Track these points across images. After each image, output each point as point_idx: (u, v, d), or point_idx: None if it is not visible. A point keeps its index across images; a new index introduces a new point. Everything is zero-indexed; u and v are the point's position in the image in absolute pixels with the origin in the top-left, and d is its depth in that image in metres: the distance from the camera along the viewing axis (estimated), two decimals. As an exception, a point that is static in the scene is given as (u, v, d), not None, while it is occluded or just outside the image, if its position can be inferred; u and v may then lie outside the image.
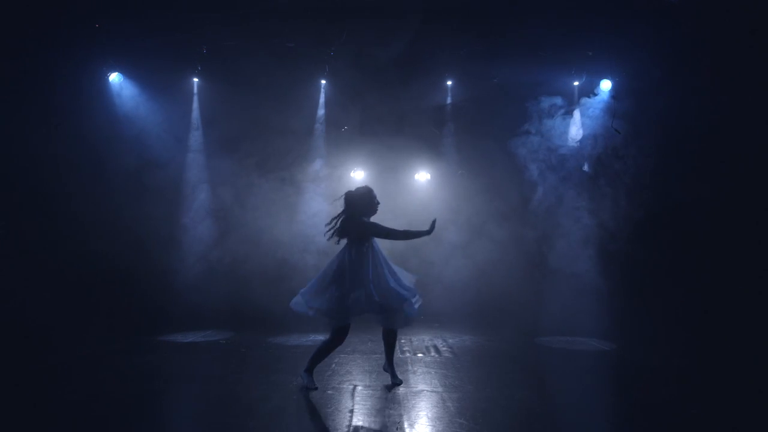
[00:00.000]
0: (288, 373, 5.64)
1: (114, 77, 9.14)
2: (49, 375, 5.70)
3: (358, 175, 9.86)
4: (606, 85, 9.13)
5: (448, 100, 9.88)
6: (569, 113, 9.27)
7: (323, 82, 9.71)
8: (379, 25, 8.22)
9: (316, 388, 5.07)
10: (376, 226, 5.22)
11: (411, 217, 9.65)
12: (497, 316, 9.01)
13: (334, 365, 5.98)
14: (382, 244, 5.29)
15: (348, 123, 9.89)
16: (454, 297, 9.40)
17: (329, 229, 5.23)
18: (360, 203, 5.26)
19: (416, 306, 5.11)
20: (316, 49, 8.85)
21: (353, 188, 5.39)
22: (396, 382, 5.27)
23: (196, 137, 9.73)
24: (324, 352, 5.22)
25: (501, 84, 9.21)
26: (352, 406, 4.66)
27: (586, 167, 9.23)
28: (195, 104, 9.66)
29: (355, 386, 5.21)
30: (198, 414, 4.75)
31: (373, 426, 4.17)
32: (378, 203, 5.33)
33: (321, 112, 9.84)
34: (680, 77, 8.05)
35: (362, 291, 4.94)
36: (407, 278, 5.27)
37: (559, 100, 9.17)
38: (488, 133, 9.31)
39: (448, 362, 6.23)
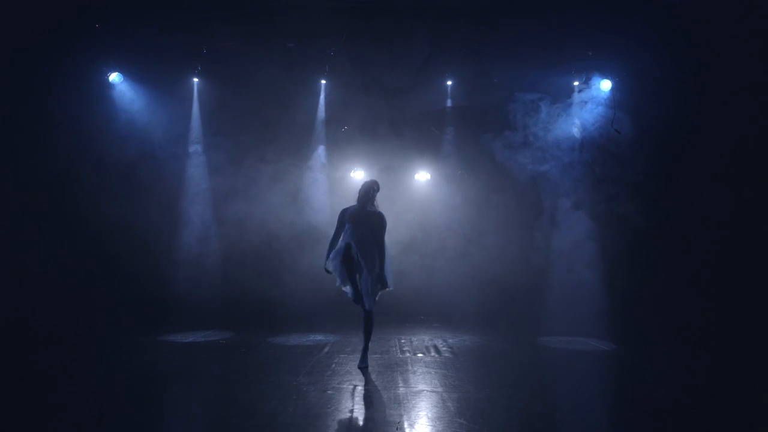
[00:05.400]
0: (288, 373, 5.64)
1: (114, 77, 9.14)
2: (50, 374, 5.70)
3: (358, 175, 9.86)
4: (606, 85, 9.11)
5: (448, 101, 9.88)
6: (568, 112, 9.26)
7: (323, 82, 9.71)
8: (379, 26, 8.22)
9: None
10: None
11: (411, 218, 9.68)
12: (497, 316, 9.00)
13: (334, 365, 5.98)
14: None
15: (348, 123, 9.88)
16: (455, 297, 9.40)
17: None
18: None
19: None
20: (316, 49, 8.85)
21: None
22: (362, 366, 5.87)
23: (195, 136, 9.72)
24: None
25: (501, 84, 9.20)
26: (352, 406, 4.66)
27: (590, 164, 9.22)
28: (195, 104, 9.66)
29: (355, 386, 5.21)
30: (198, 414, 4.75)
31: (373, 426, 4.17)
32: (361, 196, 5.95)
33: (321, 111, 9.83)
34: (680, 77, 8.04)
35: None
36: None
37: (558, 99, 9.17)
38: (488, 133, 9.30)
39: (448, 362, 6.23)
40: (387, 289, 5.88)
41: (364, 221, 5.79)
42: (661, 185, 8.59)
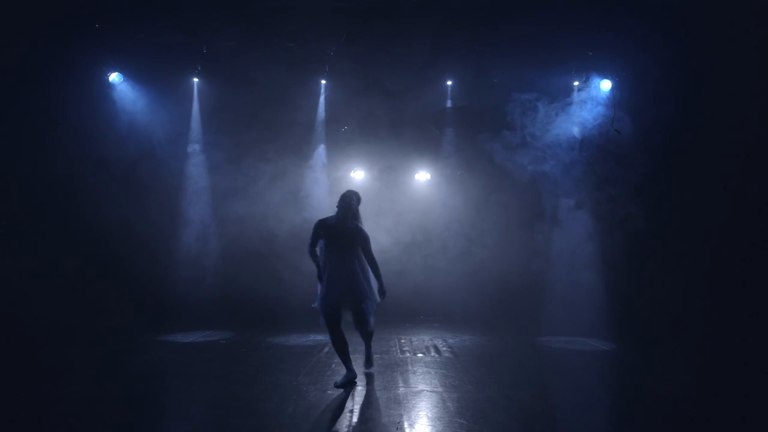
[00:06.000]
0: (288, 373, 5.64)
1: (114, 77, 9.14)
2: (50, 374, 5.71)
3: (358, 175, 9.86)
4: (606, 85, 9.11)
5: (448, 101, 9.87)
6: (568, 112, 9.26)
7: (323, 82, 9.71)
8: (379, 26, 8.22)
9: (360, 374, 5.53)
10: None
11: (412, 218, 9.69)
12: (497, 316, 9.01)
13: (334, 365, 5.98)
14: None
15: (348, 123, 9.89)
16: (455, 297, 9.40)
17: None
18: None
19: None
20: (316, 49, 8.85)
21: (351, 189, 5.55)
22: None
23: (195, 136, 9.73)
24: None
25: (500, 84, 9.20)
26: (352, 406, 4.66)
27: (590, 164, 9.22)
28: (195, 104, 9.66)
29: (355, 386, 5.21)
30: (198, 414, 4.76)
31: (373, 426, 4.17)
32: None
33: (321, 111, 9.84)
34: (680, 77, 8.04)
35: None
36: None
37: (557, 99, 9.16)
38: (487, 133, 9.29)
39: (448, 362, 6.23)
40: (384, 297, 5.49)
41: (341, 239, 5.23)
42: (662, 185, 8.58)
